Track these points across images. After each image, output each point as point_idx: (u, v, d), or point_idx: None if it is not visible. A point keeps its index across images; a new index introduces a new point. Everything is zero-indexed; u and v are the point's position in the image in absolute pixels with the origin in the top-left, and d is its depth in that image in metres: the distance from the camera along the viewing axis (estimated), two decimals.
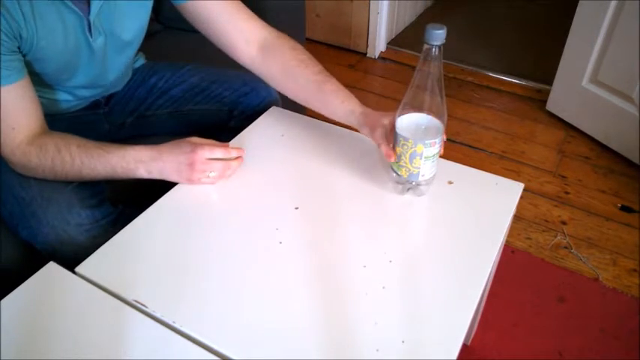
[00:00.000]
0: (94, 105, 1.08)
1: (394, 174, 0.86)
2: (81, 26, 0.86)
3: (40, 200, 0.84)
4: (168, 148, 0.85)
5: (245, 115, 1.10)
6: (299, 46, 0.97)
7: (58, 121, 0.92)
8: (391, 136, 0.83)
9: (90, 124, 1.07)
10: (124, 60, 1.01)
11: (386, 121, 0.85)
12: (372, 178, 0.91)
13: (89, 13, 0.85)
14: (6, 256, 0.89)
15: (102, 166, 0.83)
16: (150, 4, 0.96)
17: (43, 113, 0.86)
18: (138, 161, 0.84)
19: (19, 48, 0.80)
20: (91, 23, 0.87)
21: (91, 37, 0.88)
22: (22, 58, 0.81)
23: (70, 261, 0.77)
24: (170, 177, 0.86)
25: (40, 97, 0.85)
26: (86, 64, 0.92)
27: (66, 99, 0.99)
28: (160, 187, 0.89)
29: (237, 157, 0.90)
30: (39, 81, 0.89)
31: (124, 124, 1.13)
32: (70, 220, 0.83)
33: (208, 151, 0.84)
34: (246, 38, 0.96)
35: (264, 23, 0.99)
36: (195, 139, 0.87)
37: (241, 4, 0.97)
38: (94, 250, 0.78)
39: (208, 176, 0.86)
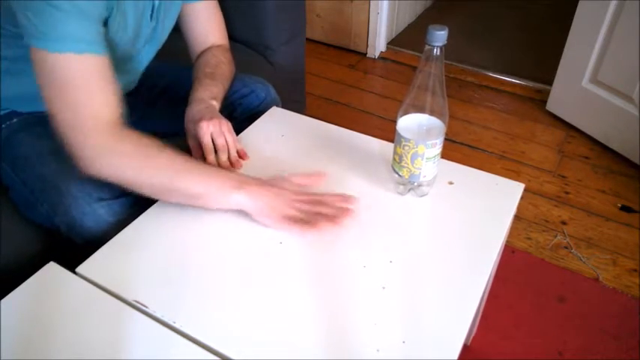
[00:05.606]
0: None
1: (395, 175, 0.86)
2: (149, 10, 0.89)
3: (62, 174, 0.85)
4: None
5: (245, 116, 1.10)
6: (223, 59, 1.05)
7: None
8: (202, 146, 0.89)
9: None
10: (153, 53, 1.04)
11: (195, 127, 0.90)
12: (372, 178, 0.91)
13: None
14: (6, 256, 0.89)
15: (199, 175, 0.80)
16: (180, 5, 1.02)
17: None
18: (243, 182, 0.80)
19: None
20: (154, 8, 0.91)
21: (151, 21, 0.92)
22: None
23: (87, 237, 0.79)
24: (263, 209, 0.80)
25: None
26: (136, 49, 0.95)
27: None
28: None
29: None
30: None
31: (125, 122, 1.13)
32: (92, 192, 0.84)
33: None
34: (197, 40, 1.06)
35: (218, 29, 1.08)
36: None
37: (212, 8, 1.05)
38: (114, 227, 0.79)
39: None
